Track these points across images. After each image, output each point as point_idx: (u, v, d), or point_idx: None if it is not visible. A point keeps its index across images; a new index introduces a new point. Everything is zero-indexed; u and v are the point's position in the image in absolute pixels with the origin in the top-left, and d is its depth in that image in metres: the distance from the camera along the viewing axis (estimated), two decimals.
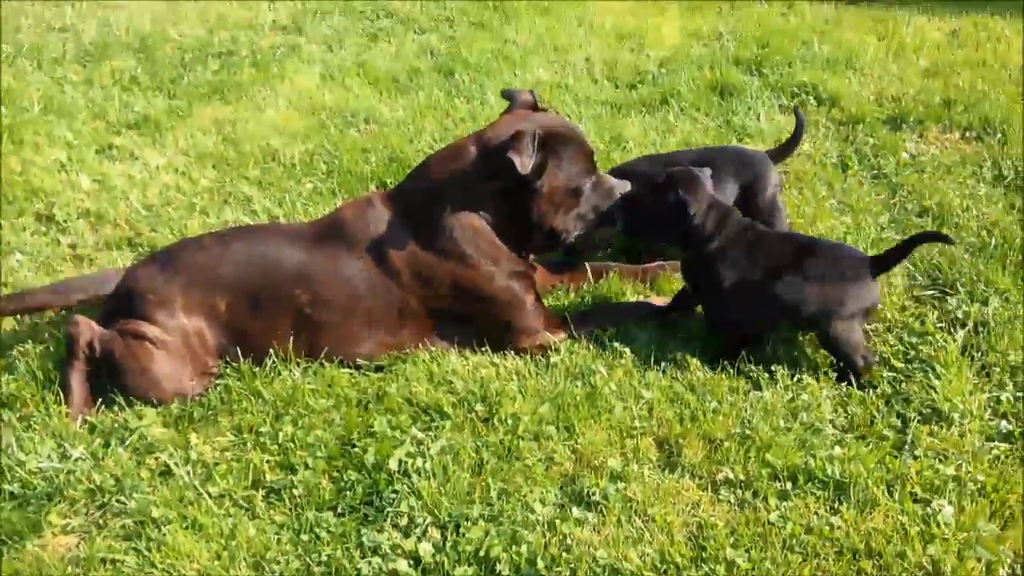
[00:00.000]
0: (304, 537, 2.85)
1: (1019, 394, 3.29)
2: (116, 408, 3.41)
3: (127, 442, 3.24)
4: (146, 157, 5.45)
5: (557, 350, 3.60)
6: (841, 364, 3.40)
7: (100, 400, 3.46)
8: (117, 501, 3.01)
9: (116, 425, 3.34)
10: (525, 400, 3.34)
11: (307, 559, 2.77)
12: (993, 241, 4.11)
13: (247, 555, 2.79)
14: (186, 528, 2.88)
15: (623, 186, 3.78)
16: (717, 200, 3.61)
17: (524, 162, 3.41)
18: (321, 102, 6.25)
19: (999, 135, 5.11)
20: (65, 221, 4.77)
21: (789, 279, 3.39)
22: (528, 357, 3.61)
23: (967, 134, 5.25)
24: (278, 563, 2.76)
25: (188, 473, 3.10)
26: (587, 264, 4.12)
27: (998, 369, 3.41)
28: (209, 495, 3.00)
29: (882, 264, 3.43)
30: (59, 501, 3.02)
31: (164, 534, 2.84)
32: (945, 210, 4.41)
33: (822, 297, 3.36)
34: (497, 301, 3.61)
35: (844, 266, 3.40)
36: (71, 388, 3.42)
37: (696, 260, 3.61)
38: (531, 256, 3.93)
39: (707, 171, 3.67)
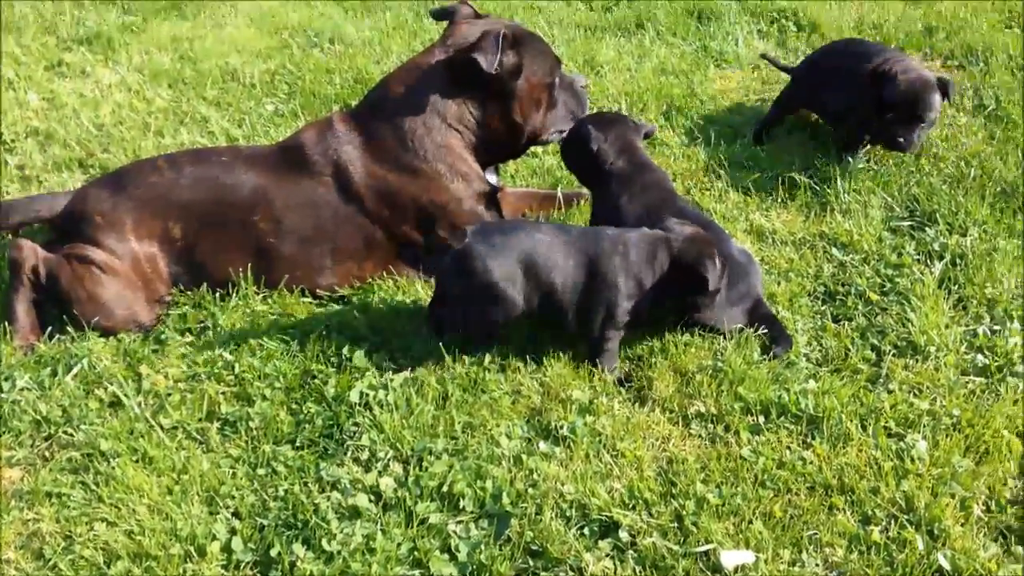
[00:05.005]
0: (260, 471, 2.75)
1: (995, 327, 3.23)
2: (66, 337, 3.27)
3: (75, 371, 3.11)
4: (98, 75, 5.23)
5: None
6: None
7: (49, 328, 3.32)
8: (64, 433, 2.90)
9: (64, 354, 3.20)
10: None
11: (263, 494, 2.67)
12: (972, 172, 4.01)
13: (200, 490, 2.68)
14: (136, 461, 2.77)
15: (580, 79, 3.81)
16: (634, 153, 3.49)
17: (490, 60, 3.31)
18: (284, 20, 6.01)
19: (981, 64, 4.99)
20: (13, 140, 4.57)
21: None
22: None
23: (948, 62, 5.13)
24: (232, 498, 2.66)
25: (139, 404, 2.98)
26: (558, 192, 3.99)
27: (975, 302, 3.34)
28: (161, 427, 2.89)
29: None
30: (3, 432, 2.90)
31: (113, 467, 2.74)
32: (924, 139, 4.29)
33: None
34: (462, 226, 3.47)
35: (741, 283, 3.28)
36: (16, 315, 3.27)
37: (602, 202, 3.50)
38: (500, 181, 3.82)
39: (647, 127, 3.63)
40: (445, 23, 3.73)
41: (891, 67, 3.98)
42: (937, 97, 3.93)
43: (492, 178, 3.74)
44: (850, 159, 4.09)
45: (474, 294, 3.01)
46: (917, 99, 3.91)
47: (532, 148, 3.89)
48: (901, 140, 3.96)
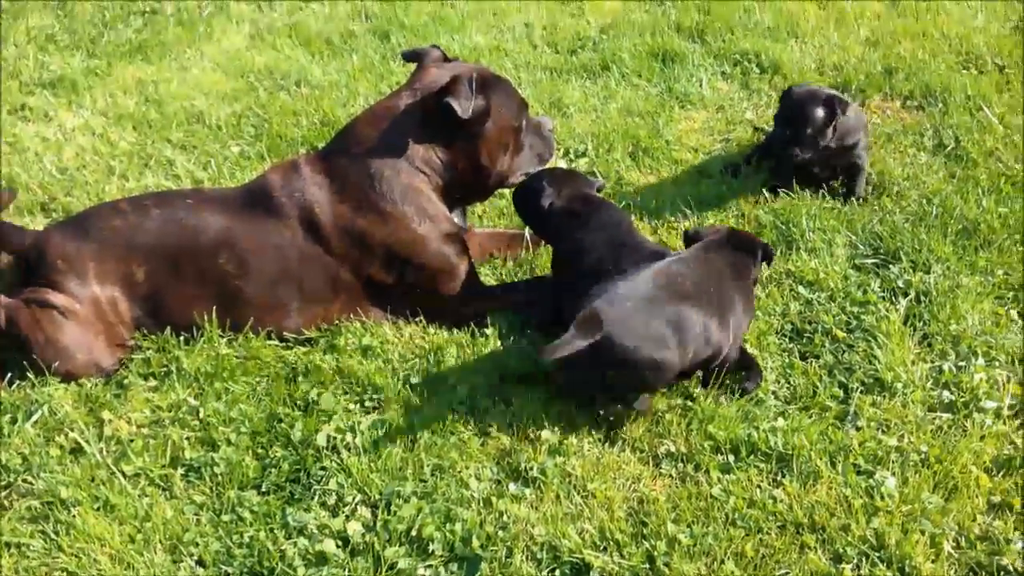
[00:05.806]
0: (225, 518, 2.70)
1: (960, 364, 3.26)
2: (26, 383, 3.21)
3: (35, 418, 3.05)
4: (61, 118, 5.18)
5: (492, 320, 3.48)
6: None
7: (9, 374, 3.26)
8: (23, 481, 2.84)
9: (24, 400, 3.14)
10: (459, 371, 3.21)
11: (228, 541, 2.62)
12: (934, 210, 4.06)
13: (163, 537, 2.64)
14: (97, 509, 2.72)
15: (547, 123, 3.82)
16: (589, 198, 3.51)
17: (464, 105, 3.32)
18: (250, 63, 6.00)
19: (940, 104, 5.08)
20: None
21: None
22: (462, 327, 3.48)
23: (908, 103, 5.21)
24: (196, 545, 2.61)
25: (101, 451, 2.93)
26: (526, 233, 3.99)
27: (940, 338, 3.37)
28: (123, 474, 2.84)
29: None
30: None
31: (74, 516, 2.68)
32: (886, 179, 4.36)
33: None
34: (430, 267, 3.47)
35: None
36: None
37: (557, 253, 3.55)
38: (468, 222, 3.82)
39: (598, 182, 3.66)
40: (413, 65, 3.74)
41: (797, 86, 4.22)
42: (817, 111, 4.01)
43: (459, 220, 3.73)
44: (785, 191, 4.25)
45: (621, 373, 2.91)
46: (796, 108, 4.05)
47: (500, 189, 3.90)
48: (784, 148, 4.10)
